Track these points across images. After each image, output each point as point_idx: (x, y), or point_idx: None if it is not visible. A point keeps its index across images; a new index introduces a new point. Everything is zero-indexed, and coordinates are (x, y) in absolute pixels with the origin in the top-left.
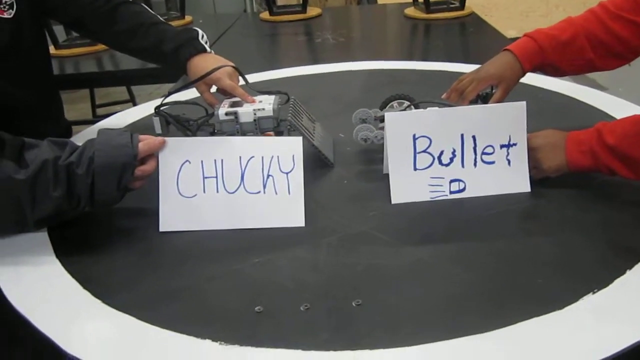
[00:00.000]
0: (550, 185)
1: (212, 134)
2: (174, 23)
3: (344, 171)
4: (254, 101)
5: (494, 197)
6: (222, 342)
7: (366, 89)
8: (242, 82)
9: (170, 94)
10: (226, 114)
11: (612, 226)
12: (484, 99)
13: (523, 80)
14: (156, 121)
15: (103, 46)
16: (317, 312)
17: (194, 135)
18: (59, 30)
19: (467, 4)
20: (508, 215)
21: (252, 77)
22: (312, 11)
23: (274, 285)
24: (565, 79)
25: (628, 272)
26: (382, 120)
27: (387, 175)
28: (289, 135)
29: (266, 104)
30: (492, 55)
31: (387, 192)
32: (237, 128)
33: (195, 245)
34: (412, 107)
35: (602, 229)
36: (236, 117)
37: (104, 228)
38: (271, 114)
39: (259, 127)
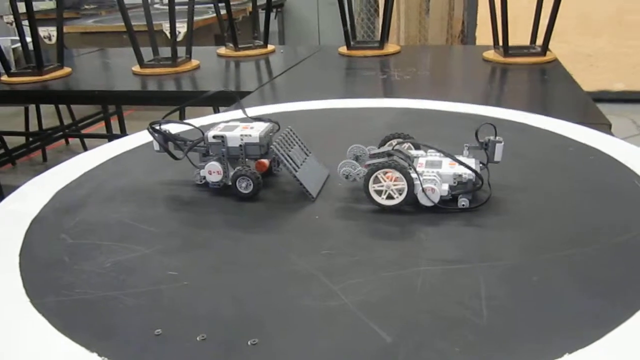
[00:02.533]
0: None
1: (205, 155)
2: (258, 51)
3: (322, 206)
4: (247, 127)
5: None
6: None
7: (394, 127)
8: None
9: (169, 113)
10: (214, 136)
11: None
12: (486, 146)
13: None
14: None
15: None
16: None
17: (185, 155)
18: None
19: (569, 51)
20: None
21: (285, 106)
22: (390, 48)
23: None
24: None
25: None
26: (375, 157)
27: (363, 213)
28: (276, 163)
29: (254, 130)
30: (559, 106)
31: (355, 231)
32: (223, 152)
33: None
34: (412, 147)
35: None
36: (223, 141)
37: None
38: (257, 140)
39: (244, 153)
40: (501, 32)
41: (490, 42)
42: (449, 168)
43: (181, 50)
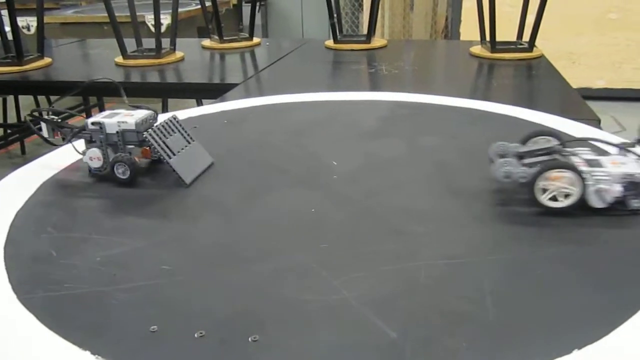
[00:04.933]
0: None
1: (89, 142)
2: (243, 44)
3: (317, 199)
4: (128, 114)
5: None
6: (99, 357)
7: (382, 120)
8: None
9: (56, 100)
10: (92, 123)
11: None
12: None
13: None
14: (43, 126)
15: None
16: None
17: (69, 141)
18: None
19: (552, 49)
20: None
21: (273, 98)
22: (377, 42)
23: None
24: None
25: None
26: (525, 156)
27: (360, 205)
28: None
29: (132, 118)
30: (549, 102)
31: (353, 224)
32: (101, 138)
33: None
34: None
35: None
36: (101, 128)
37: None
38: (133, 127)
39: (122, 140)
40: (488, 27)
41: (475, 38)
42: (614, 167)
43: (165, 42)
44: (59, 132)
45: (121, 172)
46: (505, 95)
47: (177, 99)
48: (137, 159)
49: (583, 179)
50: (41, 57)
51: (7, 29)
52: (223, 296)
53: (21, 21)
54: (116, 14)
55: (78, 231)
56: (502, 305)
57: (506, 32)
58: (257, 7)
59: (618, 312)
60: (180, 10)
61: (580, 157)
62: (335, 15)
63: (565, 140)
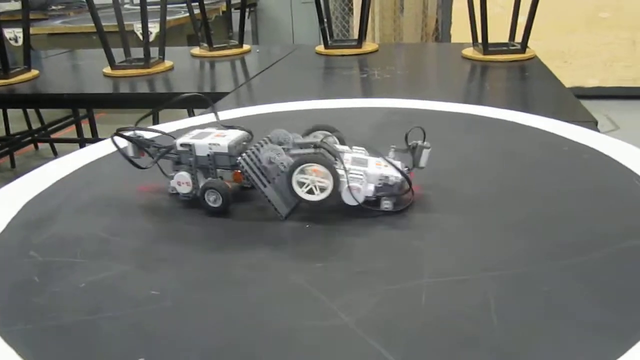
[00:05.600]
0: None
1: (177, 164)
2: (233, 51)
3: (309, 215)
4: (220, 135)
5: None
6: None
7: (375, 127)
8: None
9: (141, 118)
10: (182, 144)
11: None
12: (413, 150)
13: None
14: (128, 144)
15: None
16: None
17: (156, 162)
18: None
19: (544, 48)
20: None
21: (264, 108)
22: (368, 47)
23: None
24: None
25: None
26: (300, 147)
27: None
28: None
29: (224, 139)
30: (543, 104)
31: (348, 241)
32: (191, 161)
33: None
34: (337, 142)
35: None
36: (191, 150)
37: None
38: (226, 150)
39: (214, 163)
40: (480, 29)
41: (465, 40)
42: (376, 168)
43: (154, 51)
44: (144, 153)
45: (212, 200)
46: (499, 99)
47: (168, 109)
48: (229, 184)
49: (334, 176)
50: (28, 69)
51: None
52: (213, 324)
53: (8, 33)
54: (104, 24)
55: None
56: (508, 325)
57: (498, 33)
58: (247, 14)
59: (629, 332)
60: (168, 18)
61: (350, 154)
62: (325, 20)
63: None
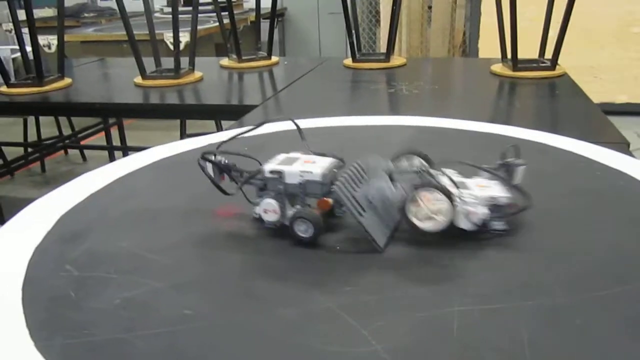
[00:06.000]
0: None
1: (262, 189)
2: (261, 63)
3: (338, 235)
4: (309, 161)
5: None
6: None
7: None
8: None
9: (224, 142)
10: (271, 171)
11: None
12: (507, 168)
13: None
14: (209, 166)
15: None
16: None
17: (240, 189)
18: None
19: (573, 63)
20: None
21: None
22: (396, 61)
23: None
24: None
25: None
26: (395, 175)
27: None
28: (338, 205)
29: (316, 166)
30: (573, 124)
31: (380, 264)
32: (281, 189)
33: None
34: (426, 165)
35: None
36: (281, 177)
37: None
38: (319, 178)
39: (304, 191)
40: (510, 45)
41: (493, 54)
42: (480, 190)
43: (183, 61)
44: (225, 176)
45: (303, 230)
46: (528, 118)
47: (195, 120)
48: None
49: (452, 201)
50: (61, 77)
51: (28, 48)
52: (243, 345)
53: (42, 39)
54: (135, 32)
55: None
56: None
57: (526, 47)
58: (275, 24)
59: None
60: (199, 27)
61: (449, 178)
62: (354, 32)
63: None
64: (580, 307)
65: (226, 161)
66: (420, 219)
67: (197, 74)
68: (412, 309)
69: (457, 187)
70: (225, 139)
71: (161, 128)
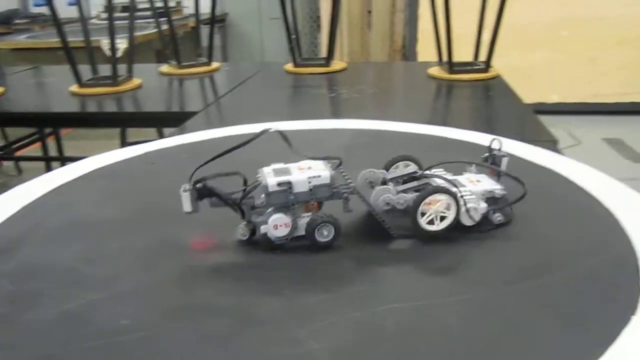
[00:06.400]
0: None
1: (253, 208)
2: (201, 69)
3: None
4: (303, 167)
5: None
6: None
7: (343, 149)
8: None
9: (204, 163)
10: (278, 184)
11: None
12: (493, 159)
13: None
14: (185, 197)
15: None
16: None
17: (238, 210)
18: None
19: (508, 65)
20: None
21: (233, 129)
22: (337, 65)
23: None
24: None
25: None
26: (392, 182)
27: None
28: (345, 205)
29: (319, 170)
30: (506, 124)
31: (317, 264)
32: (292, 200)
33: None
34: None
35: None
36: (290, 188)
37: None
38: (328, 181)
39: (314, 196)
40: (445, 48)
41: (431, 58)
42: (473, 186)
43: (122, 69)
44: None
45: (325, 235)
46: (464, 119)
47: (136, 128)
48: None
49: (457, 201)
50: None
51: None
52: (181, 352)
53: None
54: (70, 39)
55: None
56: (473, 351)
57: (465, 51)
58: (216, 29)
59: (587, 354)
60: (136, 34)
61: (442, 179)
62: (294, 37)
63: (427, 166)
64: (506, 299)
65: (212, 185)
66: (430, 222)
67: (136, 81)
68: (351, 308)
69: (456, 186)
70: (208, 158)
71: (101, 137)
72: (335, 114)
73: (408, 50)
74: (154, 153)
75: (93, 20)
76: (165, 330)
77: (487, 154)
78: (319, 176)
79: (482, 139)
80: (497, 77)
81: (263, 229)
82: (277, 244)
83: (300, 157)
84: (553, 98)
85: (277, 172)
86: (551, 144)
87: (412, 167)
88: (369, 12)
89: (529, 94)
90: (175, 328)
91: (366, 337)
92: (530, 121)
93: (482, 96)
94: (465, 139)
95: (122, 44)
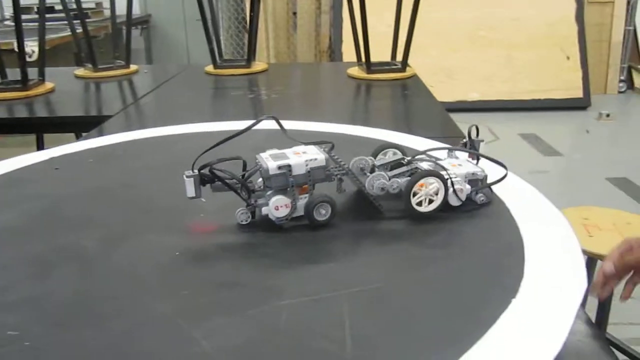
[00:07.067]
0: None
1: (253, 191)
2: (119, 72)
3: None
4: (298, 152)
5: None
6: None
7: (254, 149)
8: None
9: (207, 150)
10: (279, 167)
11: None
12: (472, 144)
13: None
14: (189, 182)
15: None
16: None
17: (244, 192)
18: None
19: (430, 65)
20: None
21: (153, 131)
22: (258, 66)
23: None
24: None
25: None
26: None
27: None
28: (338, 186)
29: (314, 153)
30: (421, 121)
31: (216, 266)
32: (291, 182)
33: None
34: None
35: None
36: (289, 170)
37: None
38: (324, 163)
39: (312, 178)
40: (363, 49)
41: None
42: (456, 169)
43: (33, 72)
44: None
45: (323, 214)
46: (381, 117)
47: (56, 135)
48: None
49: (445, 184)
50: None
51: None
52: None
53: None
54: None
55: None
56: (361, 342)
57: (386, 51)
58: (140, 31)
59: (468, 336)
60: (53, 36)
61: (427, 164)
62: (214, 39)
63: (415, 152)
64: (395, 290)
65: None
66: (421, 204)
67: (48, 84)
68: (240, 308)
69: (445, 169)
70: (207, 148)
71: (16, 144)
72: (253, 115)
73: (334, 51)
74: (59, 158)
75: (7, 22)
76: (55, 339)
77: (465, 140)
78: (315, 159)
79: (384, 135)
80: (413, 77)
81: (264, 210)
82: (278, 225)
83: (294, 142)
84: (473, 96)
85: (275, 157)
86: (460, 139)
87: (398, 155)
88: (294, 13)
89: (450, 93)
90: (66, 336)
91: (257, 335)
92: (443, 118)
93: (398, 95)
94: (373, 137)
95: (36, 47)
